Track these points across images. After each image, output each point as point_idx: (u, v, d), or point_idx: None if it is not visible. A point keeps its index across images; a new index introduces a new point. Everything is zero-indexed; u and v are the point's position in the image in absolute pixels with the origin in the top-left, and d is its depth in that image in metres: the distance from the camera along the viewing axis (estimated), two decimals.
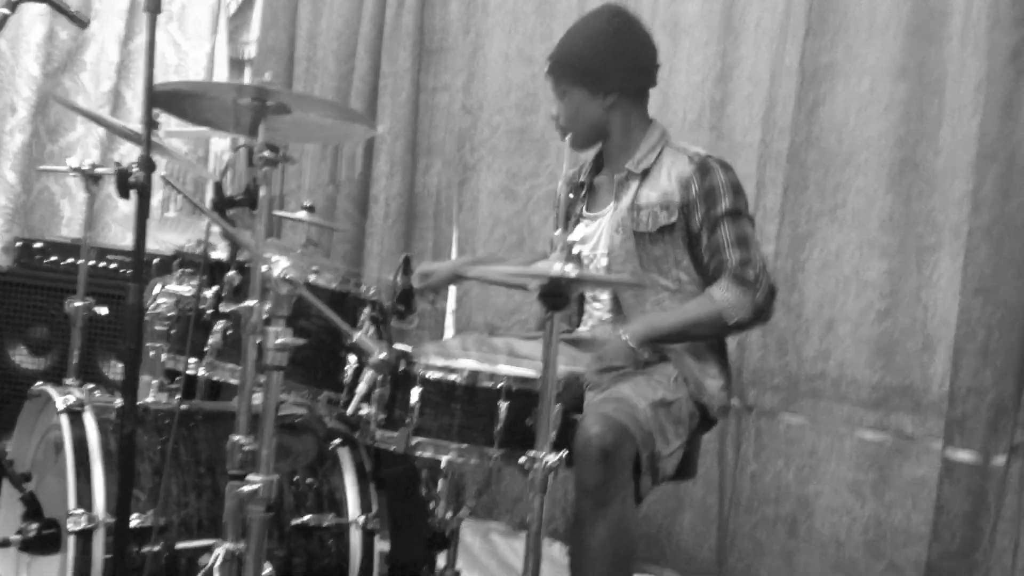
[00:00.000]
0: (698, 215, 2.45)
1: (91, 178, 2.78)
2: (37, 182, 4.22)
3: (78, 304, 2.77)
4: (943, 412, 2.76)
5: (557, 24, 3.57)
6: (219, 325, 2.24)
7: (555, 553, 3.32)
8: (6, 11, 2.48)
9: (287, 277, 1.89)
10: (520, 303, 3.63)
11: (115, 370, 3.61)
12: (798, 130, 3.02)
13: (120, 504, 1.95)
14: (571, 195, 2.72)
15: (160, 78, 4.25)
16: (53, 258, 3.68)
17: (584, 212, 2.68)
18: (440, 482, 2.46)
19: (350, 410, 2.15)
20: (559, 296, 1.97)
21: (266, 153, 2.04)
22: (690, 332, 2.44)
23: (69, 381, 2.65)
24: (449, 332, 3.77)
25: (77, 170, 2.77)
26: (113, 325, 3.43)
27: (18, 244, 3.71)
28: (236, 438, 1.94)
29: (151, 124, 1.93)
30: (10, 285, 3.63)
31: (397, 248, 3.87)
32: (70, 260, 3.66)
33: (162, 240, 3.79)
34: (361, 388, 2.12)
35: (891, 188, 2.88)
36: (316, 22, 4.17)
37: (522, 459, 1.91)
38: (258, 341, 1.93)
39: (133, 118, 4.27)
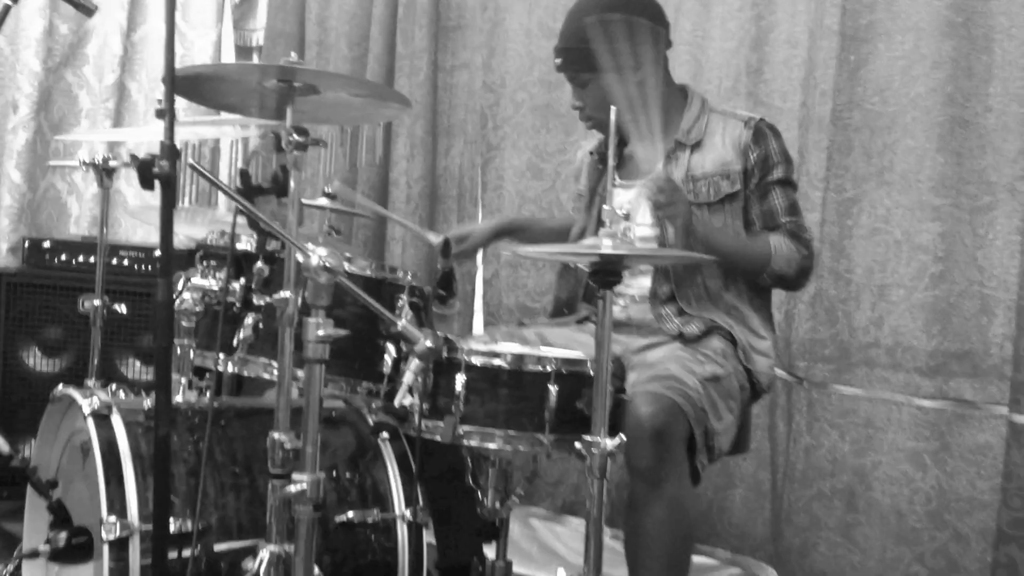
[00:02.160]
0: (752, 181, 2.46)
1: (104, 172, 2.66)
2: (43, 180, 4.11)
3: (96, 303, 2.67)
4: (1005, 376, 2.70)
5: None
6: (249, 318, 2.16)
7: (605, 538, 3.24)
8: (8, 2, 2.41)
9: (326, 265, 1.80)
10: (550, 283, 3.52)
11: (134, 368, 3.52)
12: (840, 92, 2.93)
13: (158, 509, 1.85)
14: (600, 166, 2.65)
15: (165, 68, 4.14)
16: (63, 257, 3.59)
17: (617, 181, 2.59)
18: (487, 470, 2.37)
19: (396, 401, 2.06)
20: (611, 274, 1.91)
21: (295, 137, 1.95)
22: (736, 260, 2.43)
23: (91, 383, 2.57)
24: (479, 316, 3.67)
25: (89, 164, 2.65)
26: (130, 323, 3.34)
27: (26, 244, 3.62)
28: (276, 436, 1.85)
29: (173, 111, 1.80)
30: (20, 286, 3.53)
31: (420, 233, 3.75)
32: (81, 258, 3.58)
33: (176, 232, 3.68)
34: (407, 378, 2.02)
35: (941, 148, 2.79)
36: (326, 5, 4.06)
37: (578, 444, 1.85)
38: (295, 333, 1.85)
39: (139, 111, 4.19)
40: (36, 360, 3.51)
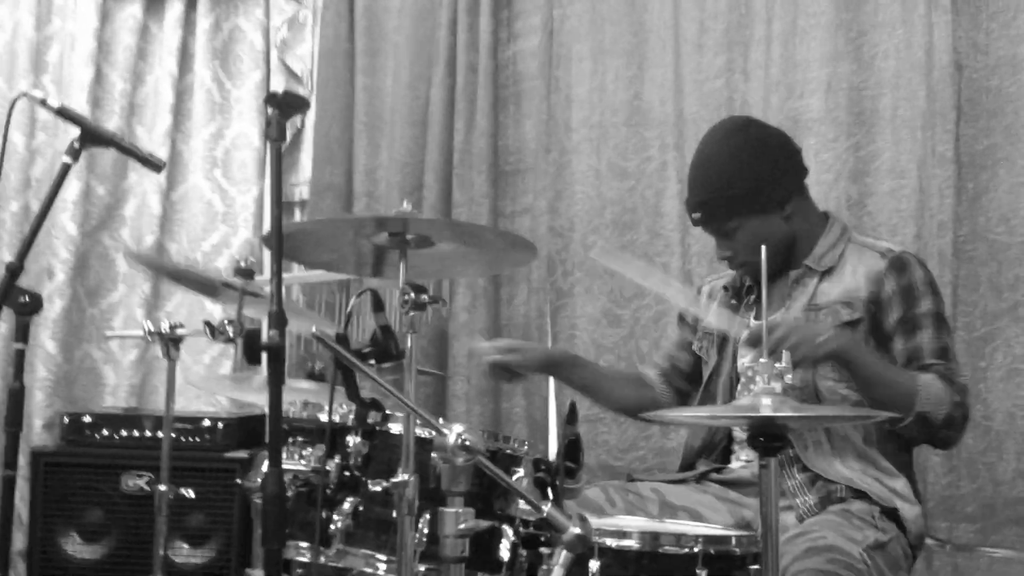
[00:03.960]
0: (893, 315, 2.20)
1: (171, 342, 2.47)
2: (78, 349, 3.91)
3: (163, 488, 2.48)
4: None
5: (651, 134, 3.34)
6: (347, 504, 1.92)
7: None
8: (68, 160, 2.29)
9: (466, 444, 1.54)
10: (635, 439, 3.28)
11: (183, 553, 3.26)
12: (961, 223, 2.77)
13: None
14: (733, 301, 2.43)
15: (206, 227, 3.99)
16: (105, 432, 3.36)
17: (747, 316, 2.39)
18: None
19: None
20: (775, 439, 1.64)
21: (411, 295, 1.75)
22: (877, 388, 2.10)
23: None
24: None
25: (155, 334, 2.46)
26: (180, 501, 3.08)
27: (65, 419, 3.41)
28: None
29: (281, 274, 1.65)
30: (58, 466, 3.33)
31: (487, 388, 3.52)
32: (124, 433, 3.35)
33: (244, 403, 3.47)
34: (557, 574, 1.74)
35: None
36: (374, 155, 3.86)
37: None
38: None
39: None
40: (75, 546, 3.28)
